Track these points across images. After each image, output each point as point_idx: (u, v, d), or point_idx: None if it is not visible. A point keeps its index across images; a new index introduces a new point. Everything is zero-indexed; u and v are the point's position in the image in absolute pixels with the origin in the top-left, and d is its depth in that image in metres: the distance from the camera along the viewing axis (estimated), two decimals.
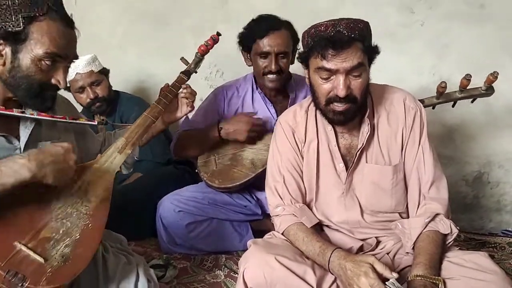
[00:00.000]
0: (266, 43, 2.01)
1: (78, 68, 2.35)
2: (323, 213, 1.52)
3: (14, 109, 1.25)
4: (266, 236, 1.58)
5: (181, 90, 1.79)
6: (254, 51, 2.06)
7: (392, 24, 2.46)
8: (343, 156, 1.49)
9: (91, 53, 2.41)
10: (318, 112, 1.49)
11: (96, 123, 1.54)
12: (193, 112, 2.24)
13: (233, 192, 2.12)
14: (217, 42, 1.87)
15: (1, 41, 1.18)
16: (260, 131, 2.06)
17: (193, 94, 1.80)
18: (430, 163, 1.45)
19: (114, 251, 1.40)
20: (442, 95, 1.89)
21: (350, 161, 1.48)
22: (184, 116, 1.86)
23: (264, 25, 2.03)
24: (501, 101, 2.41)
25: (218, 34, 1.88)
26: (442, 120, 2.50)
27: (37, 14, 1.18)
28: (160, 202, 2.09)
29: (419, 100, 1.73)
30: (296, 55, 1.45)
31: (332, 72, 1.33)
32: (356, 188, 1.49)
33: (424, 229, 1.37)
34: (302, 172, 1.53)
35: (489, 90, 1.89)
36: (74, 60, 1.30)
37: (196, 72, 1.89)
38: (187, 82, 1.84)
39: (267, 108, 2.17)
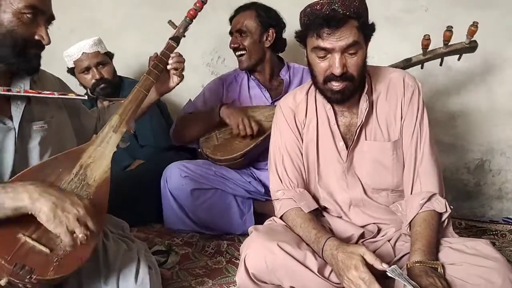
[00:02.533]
0: (232, 23, 2.21)
1: (84, 48, 2.35)
2: (328, 191, 1.52)
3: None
4: (267, 221, 1.58)
5: (170, 59, 1.68)
6: None
7: (396, 9, 2.43)
8: (343, 135, 1.49)
9: (93, 37, 2.40)
10: (317, 92, 1.49)
11: (86, 97, 1.48)
12: (194, 98, 2.25)
13: (237, 168, 2.18)
14: (205, 3, 1.76)
15: None
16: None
17: (181, 61, 1.68)
18: (426, 139, 1.45)
19: (115, 237, 1.40)
20: (428, 50, 1.89)
21: (350, 139, 1.48)
22: (176, 86, 1.74)
23: (237, 9, 2.21)
24: (504, 87, 2.40)
25: None
26: (444, 107, 2.49)
27: None
28: (166, 169, 2.16)
29: (405, 59, 1.80)
30: (294, 35, 1.45)
31: (328, 51, 1.33)
32: (357, 166, 1.49)
33: (420, 209, 1.37)
34: (302, 155, 1.52)
35: (472, 43, 1.94)
36: (52, 22, 1.29)
37: (184, 37, 1.78)
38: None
39: (262, 93, 2.25)
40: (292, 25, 1.64)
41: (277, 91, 2.25)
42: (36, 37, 1.23)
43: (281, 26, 2.24)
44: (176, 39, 1.73)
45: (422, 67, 2.01)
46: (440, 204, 1.39)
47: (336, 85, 1.36)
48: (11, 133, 1.24)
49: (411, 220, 1.38)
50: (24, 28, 1.20)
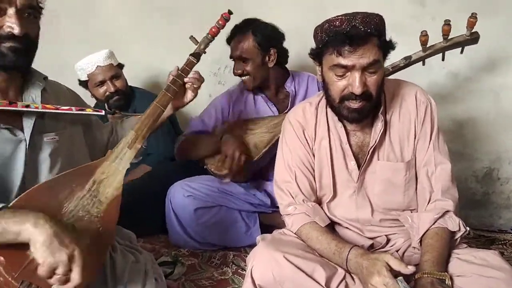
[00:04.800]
0: (231, 48, 2.14)
1: (98, 61, 2.37)
2: (335, 211, 1.50)
3: (18, 103, 1.22)
4: (275, 232, 1.57)
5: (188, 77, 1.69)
6: None
7: (403, 17, 2.43)
8: (355, 154, 1.46)
9: (102, 49, 2.42)
10: (329, 109, 1.46)
11: (103, 112, 1.45)
12: (201, 113, 2.27)
13: (242, 182, 2.16)
14: (228, 21, 1.77)
15: None
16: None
17: (199, 80, 1.70)
18: (442, 156, 1.43)
19: (122, 249, 1.39)
20: (427, 46, 1.89)
21: (362, 159, 1.46)
22: (190, 102, 1.73)
23: (232, 30, 2.13)
24: (511, 95, 2.38)
25: (230, 12, 1.77)
26: (452, 115, 2.47)
27: None
28: (170, 188, 2.14)
29: (405, 57, 1.78)
30: (309, 52, 1.41)
31: (348, 69, 1.29)
32: (368, 187, 1.47)
33: (432, 224, 1.35)
34: (313, 170, 1.50)
35: (473, 35, 1.91)
36: (30, 10, 1.20)
37: (205, 53, 1.78)
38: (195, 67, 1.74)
39: (269, 107, 2.23)
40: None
41: (283, 104, 2.23)
42: (6, 29, 1.16)
43: (281, 41, 2.19)
44: (196, 56, 1.73)
45: (423, 64, 2.00)
46: (453, 223, 1.36)
47: (354, 104, 1.33)
48: (22, 144, 1.23)
49: (423, 234, 1.36)
50: None
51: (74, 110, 1.34)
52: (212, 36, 1.76)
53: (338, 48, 1.28)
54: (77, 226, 1.18)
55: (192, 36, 1.77)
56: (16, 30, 1.15)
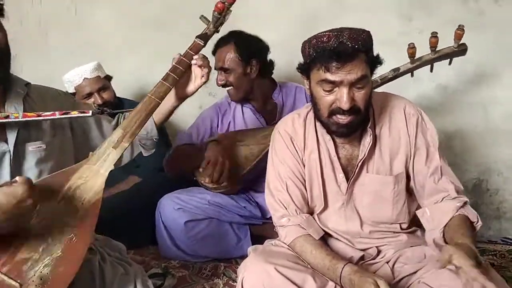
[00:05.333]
0: (215, 59, 2.17)
1: (85, 73, 2.36)
2: (325, 223, 1.50)
3: None
4: (267, 242, 1.56)
5: (195, 59, 1.49)
6: None
7: (391, 32, 2.46)
8: (343, 167, 1.47)
9: (91, 61, 2.42)
10: (318, 122, 1.47)
11: (90, 114, 1.32)
12: (188, 128, 2.30)
13: (233, 194, 2.15)
14: None
15: None
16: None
17: (208, 63, 1.50)
18: (445, 167, 1.43)
19: (112, 260, 1.38)
20: (415, 58, 1.91)
21: (351, 171, 1.46)
22: (198, 89, 1.54)
23: (217, 42, 2.16)
24: (499, 108, 2.42)
25: None
26: (441, 127, 2.49)
27: None
28: (160, 201, 2.12)
29: (393, 69, 1.83)
30: (296, 66, 1.43)
31: (336, 84, 1.30)
32: (357, 199, 1.48)
33: (456, 213, 1.34)
34: (304, 181, 1.50)
35: (461, 46, 1.94)
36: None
37: (218, 32, 1.61)
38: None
39: (257, 119, 2.25)
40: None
41: (271, 115, 2.24)
42: None
43: (264, 52, 2.21)
44: (204, 37, 1.53)
45: (412, 75, 2.03)
46: (473, 213, 1.36)
47: (342, 119, 1.33)
48: (6, 155, 1.22)
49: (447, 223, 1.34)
50: None
51: (57, 115, 1.27)
52: (218, 13, 1.55)
53: (326, 64, 1.28)
54: (47, 237, 1.12)
55: (202, 15, 1.61)
56: None
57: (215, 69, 2.16)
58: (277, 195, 1.50)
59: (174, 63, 1.47)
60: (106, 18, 2.88)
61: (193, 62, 1.47)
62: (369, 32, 1.34)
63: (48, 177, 1.23)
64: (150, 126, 1.52)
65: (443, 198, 1.40)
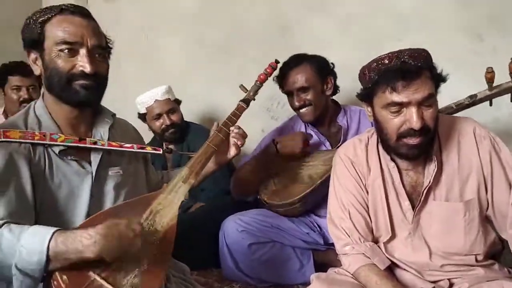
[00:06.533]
0: (288, 82, 2.15)
1: (157, 95, 2.51)
2: (392, 252, 1.44)
3: (87, 140, 1.32)
4: (330, 270, 1.52)
5: (232, 129, 1.71)
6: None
7: (461, 51, 2.37)
8: (409, 194, 1.41)
9: (159, 85, 2.54)
10: (381, 147, 1.43)
11: (161, 151, 1.53)
12: (251, 153, 2.31)
13: (295, 215, 2.12)
14: (275, 69, 1.91)
15: (35, 55, 1.29)
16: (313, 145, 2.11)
17: (243, 136, 1.72)
18: None
19: (177, 281, 1.41)
20: (493, 84, 1.78)
21: (417, 199, 1.40)
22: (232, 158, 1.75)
23: (286, 65, 2.15)
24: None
25: (277, 61, 1.91)
26: None
27: (50, 16, 1.26)
28: (224, 222, 2.14)
29: (470, 95, 1.74)
30: (356, 94, 1.42)
31: (403, 105, 1.27)
32: (424, 228, 1.41)
33: None
34: (368, 207, 1.46)
35: None
36: (100, 51, 1.30)
37: (254, 100, 1.88)
38: (238, 124, 1.78)
39: (322, 142, 2.22)
40: None
41: (336, 138, 2.21)
42: (79, 68, 1.25)
43: (334, 71, 2.22)
44: (246, 101, 1.83)
45: (490, 104, 1.88)
46: None
47: (412, 140, 1.30)
48: (88, 176, 1.31)
49: None
50: (64, 63, 1.25)
51: (135, 148, 1.43)
52: (260, 82, 1.87)
53: (392, 85, 1.26)
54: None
55: (242, 85, 1.87)
56: (87, 69, 1.25)
57: (287, 92, 2.18)
58: (340, 223, 1.46)
59: (226, 120, 1.72)
60: (174, 45, 3.03)
61: (232, 134, 1.70)
62: (427, 51, 1.32)
63: (134, 200, 1.36)
64: None
65: None
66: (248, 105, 1.83)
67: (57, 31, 1.24)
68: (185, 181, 1.47)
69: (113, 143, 1.36)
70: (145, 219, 1.32)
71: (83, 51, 1.25)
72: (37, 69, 1.31)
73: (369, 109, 1.40)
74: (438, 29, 2.43)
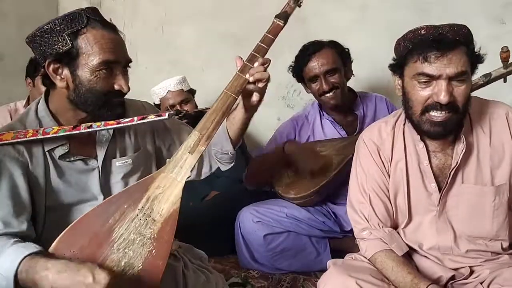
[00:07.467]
0: (311, 67, 2.09)
1: (170, 86, 2.50)
2: (412, 237, 1.42)
3: (81, 126, 1.24)
4: (347, 256, 1.51)
5: (249, 72, 1.29)
6: (305, 78, 2.14)
7: (482, 36, 2.30)
8: (436, 176, 1.37)
9: (177, 75, 2.55)
10: (407, 129, 1.40)
11: (166, 116, 1.26)
12: (266, 144, 2.30)
13: (310, 206, 2.11)
14: None
15: (58, 65, 1.21)
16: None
17: (264, 76, 1.27)
18: None
19: (194, 268, 1.41)
20: (508, 62, 1.73)
21: (443, 181, 1.37)
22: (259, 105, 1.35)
23: (305, 51, 2.10)
24: None
25: None
26: None
27: (80, 28, 1.19)
28: (239, 213, 2.14)
29: (484, 74, 1.64)
30: (388, 65, 1.37)
31: (434, 78, 1.23)
32: (451, 211, 1.37)
33: None
34: (389, 193, 1.43)
35: None
36: (129, 65, 1.29)
37: (299, 6, 1.39)
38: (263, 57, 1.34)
39: (337, 131, 2.18)
40: None
41: (352, 127, 2.18)
42: (116, 87, 1.24)
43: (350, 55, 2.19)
44: (283, 16, 1.35)
45: (505, 81, 1.86)
46: None
47: (437, 116, 1.25)
48: (95, 172, 1.30)
49: None
50: (103, 83, 1.22)
51: (135, 121, 1.26)
52: None
53: (425, 54, 1.22)
54: (129, 250, 1.14)
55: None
56: (125, 90, 1.25)
57: (312, 79, 2.10)
58: (359, 208, 1.45)
59: (252, 52, 1.32)
60: (190, 37, 3.04)
61: (250, 78, 1.27)
62: (469, 28, 1.28)
63: (132, 186, 1.24)
64: (224, 141, 1.42)
65: None
66: (286, 21, 1.34)
67: (96, 48, 1.19)
68: (193, 150, 1.19)
69: (110, 122, 1.25)
70: (140, 210, 1.16)
71: (119, 69, 1.24)
72: (59, 81, 1.22)
73: (400, 82, 1.36)
74: (460, 16, 2.37)
